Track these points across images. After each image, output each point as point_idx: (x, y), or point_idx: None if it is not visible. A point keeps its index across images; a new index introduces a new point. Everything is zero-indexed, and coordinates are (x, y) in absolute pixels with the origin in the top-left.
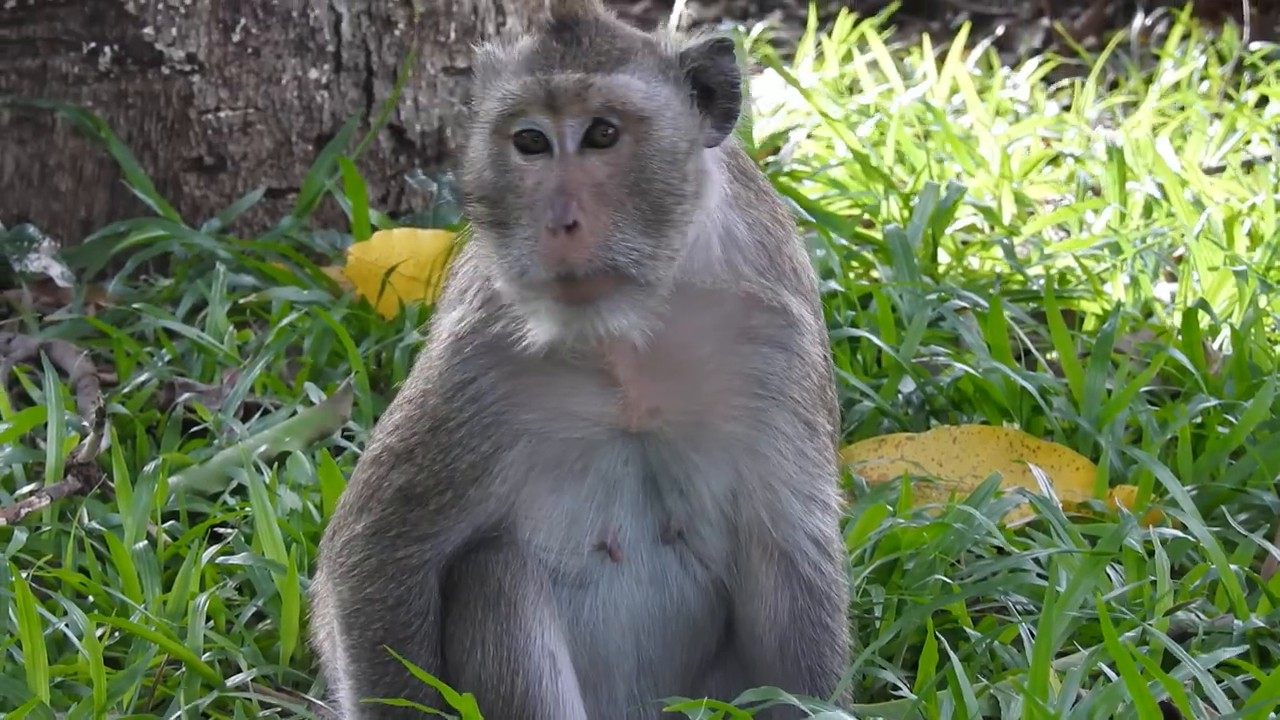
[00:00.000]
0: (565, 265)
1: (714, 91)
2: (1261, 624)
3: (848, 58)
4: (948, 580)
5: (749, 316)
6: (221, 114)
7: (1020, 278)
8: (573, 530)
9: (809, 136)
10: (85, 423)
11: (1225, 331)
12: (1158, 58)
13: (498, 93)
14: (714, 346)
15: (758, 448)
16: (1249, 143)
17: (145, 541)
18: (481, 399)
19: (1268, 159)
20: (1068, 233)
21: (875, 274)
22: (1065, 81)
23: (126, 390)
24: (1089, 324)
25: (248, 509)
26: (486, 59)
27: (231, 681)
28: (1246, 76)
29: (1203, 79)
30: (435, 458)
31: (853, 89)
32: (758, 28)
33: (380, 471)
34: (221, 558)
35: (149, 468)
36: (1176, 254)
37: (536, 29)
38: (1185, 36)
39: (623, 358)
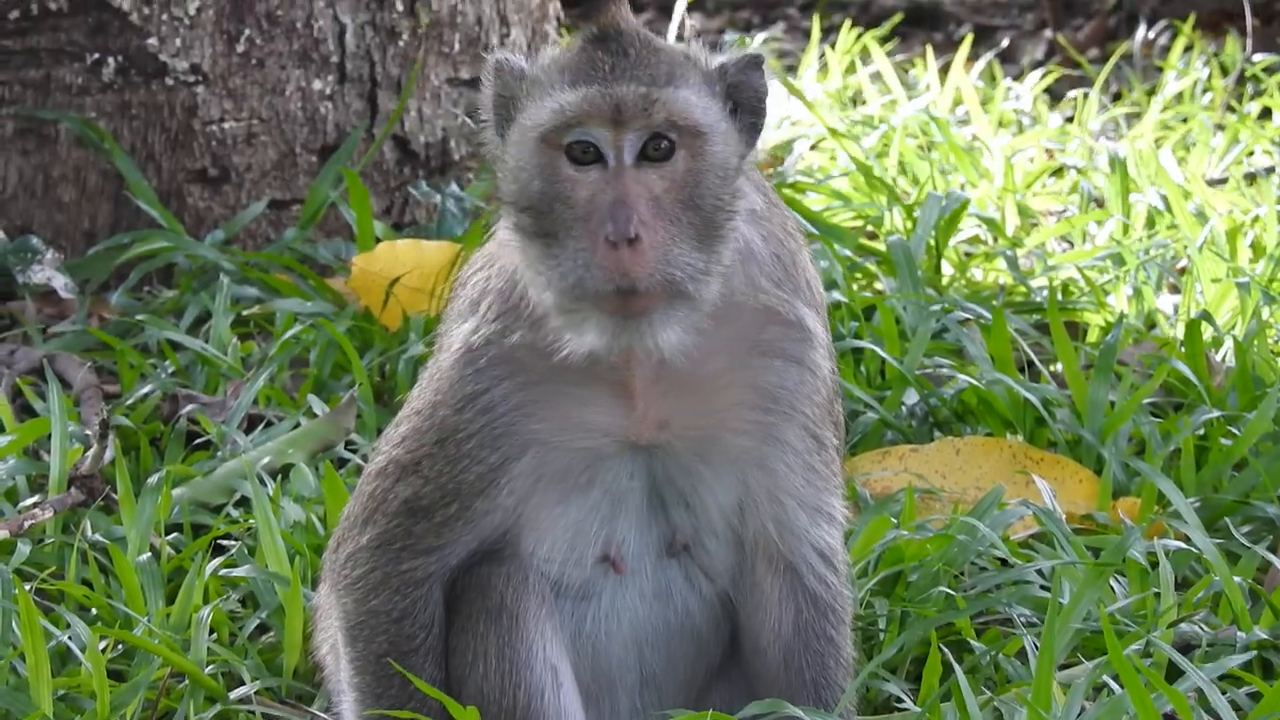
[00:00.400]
0: (627, 278)
1: (740, 106)
2: (1265, 636)
3: (851, 69)
4: (951, 592)
5: (764, 330)
6: (225, 125)
7: (1023, 289)
8: (577, 543)
9: (813, 148)
10: (89, 434)
11: (1228, 343)
12: (1160, 69)
13: (551, 103)
14: (728, 360)
15: (767, 462)
16: (1251, 154)
17: (148, 554)
18: (493, 410)
19: (1270, 170)
20: (1071, 244)
21: (879, 285)
22: (1068, 93)
23: (130, 402)
24: (1092, 336)
25: (251, 521)
26: (521, 69)
27: (235, 694)
28: (1249, 88)
29: (1205, 90)
30: (442, 469)
31: (856, 100)
32: (761, 39)
33: (385, 484)
34: (225, 570)
35: (152, 480)
36: (1179, 266)
37: (578, 39)
38: (1188, 48)
39: (639, 370)
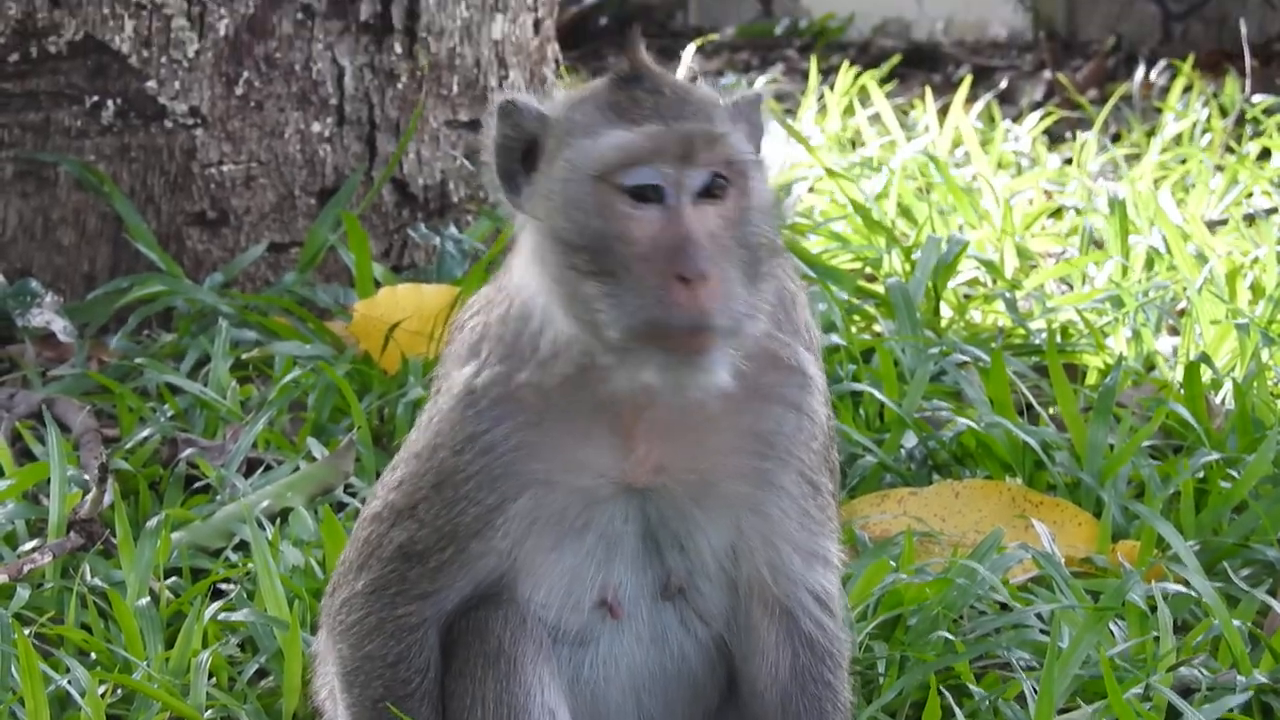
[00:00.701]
0: (703, 315)
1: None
2: (1265, 680)
3: (849, 111)
4: (951, 636)
5: (763, 374)
6: (224, 168)
7: (1022, 331)
8: (574, 588)
9: (811, 190)
10: (87, 478)
11: (1228, 385)
12: (1160, 110)
13: (608, 141)
14: (726, 403)
15: (761, 507)
16: (1251, 195)
17: (147, 598)
18: (493, 450)
19: (1270, 211)
20: (1070, 286)
21: (877, 328)
22: (1067, 134)
23: (129, 446)
24: (1091, 378)
25: (250, 565)
26: (537, 110)
27: None
28: (1248, 129)
29: (1205, 132)
30: (439, 512)
31: (855, 142)
32: (760, 81)
33: (380, 529)
34: (224, 614)
35: (151, 523)
36: (1179, 307)
37: (604, 80)
38: (1187, 89)
39: (642, 412)
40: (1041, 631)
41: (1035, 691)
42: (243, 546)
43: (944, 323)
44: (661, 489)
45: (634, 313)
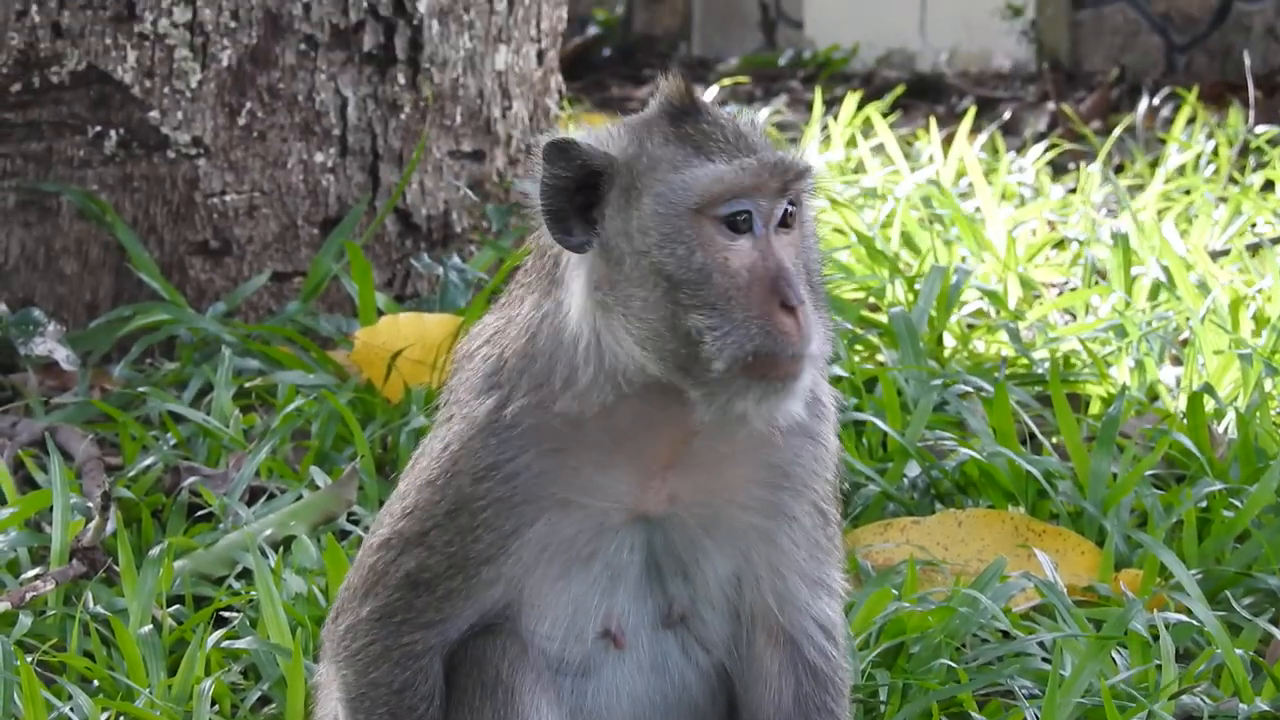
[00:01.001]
0: (804, 343)
1: None
2: (1267, 708)
3: (853, 142)
4: (953, 664)
5: None
6: (227, 198)
7: (1025, 361)
8: (578, 617)
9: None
10: (90, 506)
11: (1230, 415)
12: (1163, 141)
13: (707, 174)
14: (748, 434)
15: (773, 537)
16: (1254, 226)
17: (150, 625)
18: (516, 477)
19: (1274, 242)
20: (1073, 316)
21: (881, 358)
22: (1070, 165)
23: (132, 474)
24: (1094, 408)
25: (253, 593)
26: (604, 152)
27: None
28: (1252, 160)
29: (1209, 163)
30: (451, 539)
31: (858, 172)
32: (764, 112)
33: (388, 556)
34: (226, 642)
35: (154, 551)
36: (1182, 338)
37: (661, 113)
38: (1191, 120)
39: (670, 442)
40: (1044, 660)
41: (1038, 719)
42: (245, 574)
43: (947, 353)
44: (671, 518)
45: (741, 343)
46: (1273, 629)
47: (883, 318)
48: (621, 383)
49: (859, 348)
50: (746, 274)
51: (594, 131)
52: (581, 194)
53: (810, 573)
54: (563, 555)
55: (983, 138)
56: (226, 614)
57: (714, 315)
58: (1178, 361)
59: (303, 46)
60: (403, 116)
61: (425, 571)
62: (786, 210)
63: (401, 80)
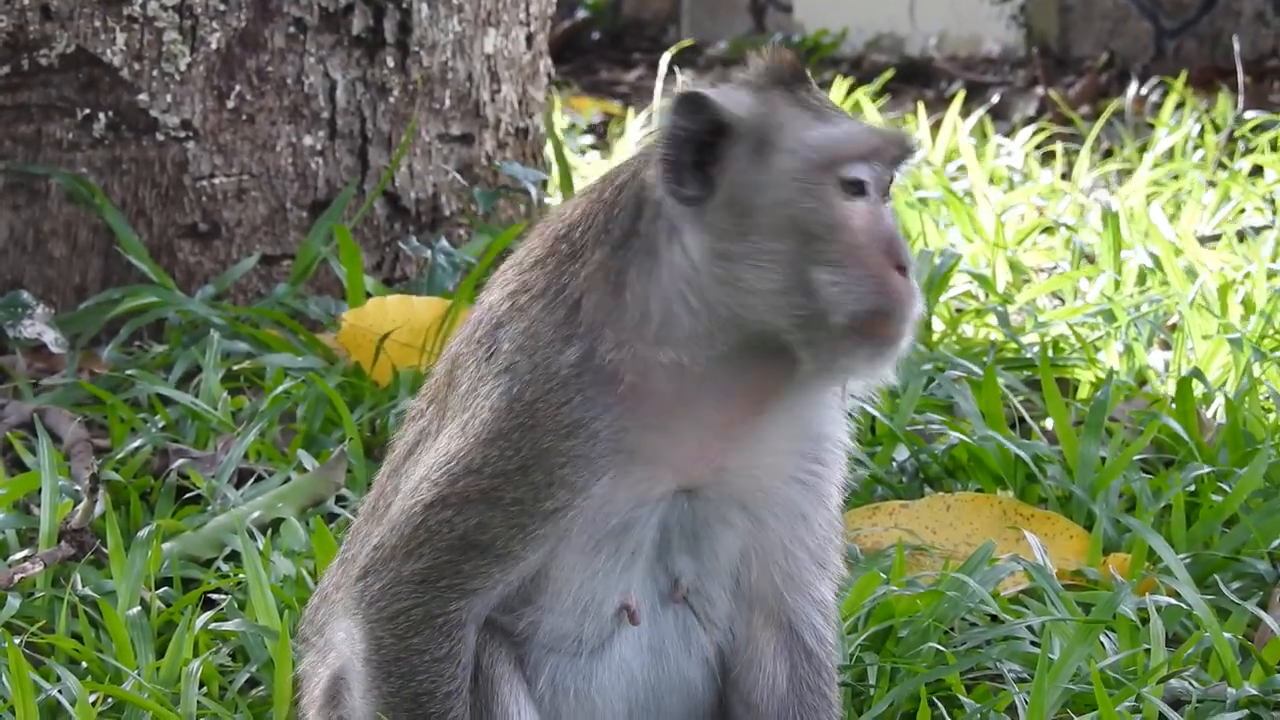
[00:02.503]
0: (914, 305)
1: None
2: (1255, 692)
3: None
4: (941, 648)
5: None
6: (216, 180)
7: (1014, 346)
8: (599, 591)
9: None
10: (79, 488)
11: (1219, 400)
12: (1152, 126)
13: (842, 133)
14: (786, 407)
15: (804, 511)
16: (1243, 211)
17: (138, 607)
18: (598, 435)
19: (1265, 228)
20: (1062, 300)
21: None
22: (1060, 149)
23: (120, 456)
24: (1083, 392)
25: (241, 575)
26: (736, 108)
27: None
28: (1240, 145)
29: (1197, 147)
30: (522, 496)
31: None
32: None
33: (443, 515)
34: (215, 624)
35: (142, 534)
36: (1170, 322)
37: (769, 78)
38: (1180, 105)
39: (746, 404)
40: (1032, 643)
41: (1025, 703)
42: (234, 557)
43: (936, 337)
44: (708, 488)
45: (862, 298)
46: (1261, 613)
47: None
48: (727, 334)
49: None
50: (865, 235)
51: (719, 89)
52: (699, 150)
53: (818, 553)
54: (606, 520)
55: (971, 122)
56: (214, 596)
57: (837, 270)
58: (1166, 346)
59: (292, 29)
60: (391, 99)
61: (484, 531)
62: (889, 181)
63: (391, 63)
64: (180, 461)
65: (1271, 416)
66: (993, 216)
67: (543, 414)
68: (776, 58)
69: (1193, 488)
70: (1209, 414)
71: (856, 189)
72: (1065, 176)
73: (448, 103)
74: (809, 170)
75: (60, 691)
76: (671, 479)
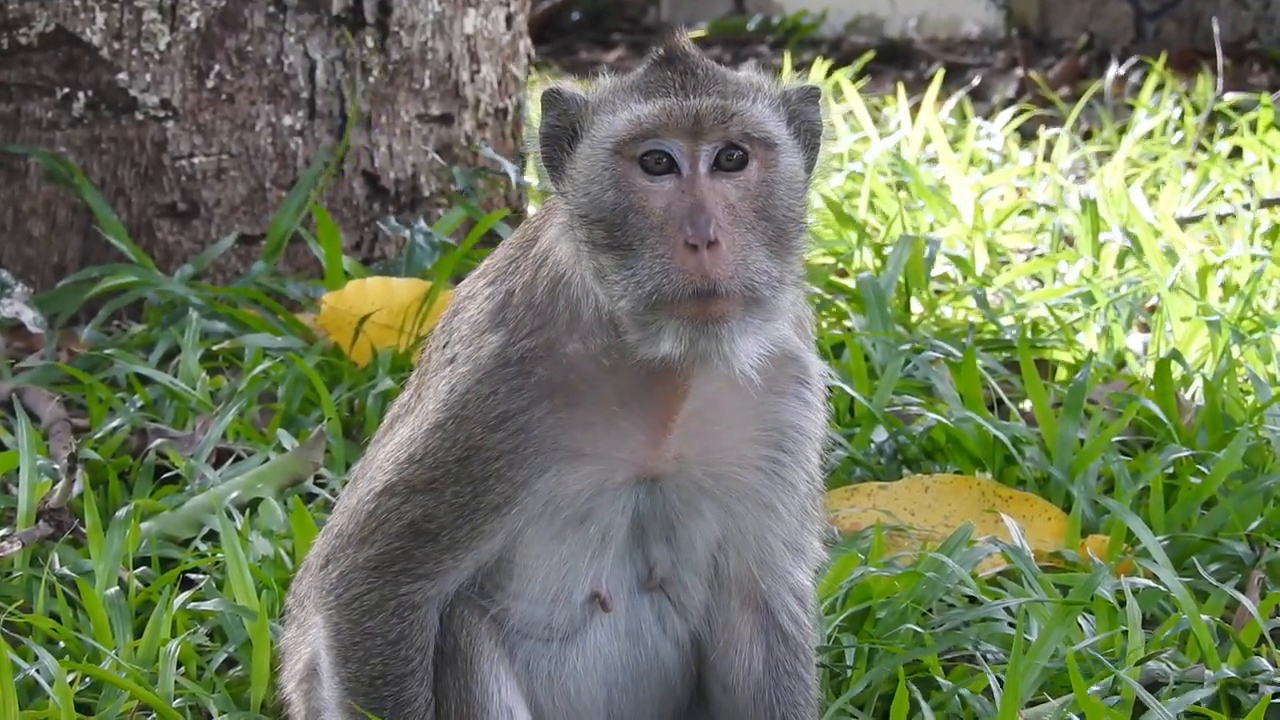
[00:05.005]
0: (707, 280)
1: (798, 133)
2: (1232, 674)
3: None
4: (919, 629)
5: (784, 368)
6: (195, 160)
7: (993, 327)
8: (568, 579)
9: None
10: (57, 468)
11: (1198, 382)
12: (1132, 108)
13: (626, 115)
14: (742, 396)
15: (768, 500)
16: (1222, 193)
17: (116, 587)
18: (528, 429)
19: (1245, 207)
20: (1041, 282)
21: (848, 323)
22: (1039, 131)
23: (99, 436)
24: (1061, 374)
25: (219, 555)
26: (581, 96)
27: None
28: (1220, 127)
29: (1176, 129)
30: (462, 489)
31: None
32: None
33: (391, 503)
34: (193, 604)
35: (121, 513)
36: (1149, 304)
37: (646, 62)
38: (1159, 87)
39: (676, 396)
40: (1010, 625)
41: (1002, 684)
42: (212, 536)
43: (915, 318)
44: (673, 478)
45: (643, 282)
46: (1239, 595)
47: (851, 283)
48: (620, 323)
49: (827, 313)
50: (661, 214)
51: (581, 83)
52: (573, 142)
53: (793, 539)
54: (563, 512)
55: (951, 104)
56: (193, 576)
57: (627, 255)
58: (1145, 328)
59: (271, 9)
60: (371, 80)
61: (430, 520)
62: (729, 153)
63: (370, 43)
64: (159, 441)
65: (1250, 399)
66: (970, 199)
67: (472, 406)
68: (664, 39)
69: (1171, 470)
70: (1188, 396)
71: (655, 166)
72: (1045, 158)
73: (427, 83)
74: (596, 152)
75: (38, 671)
76: (628, 470)
